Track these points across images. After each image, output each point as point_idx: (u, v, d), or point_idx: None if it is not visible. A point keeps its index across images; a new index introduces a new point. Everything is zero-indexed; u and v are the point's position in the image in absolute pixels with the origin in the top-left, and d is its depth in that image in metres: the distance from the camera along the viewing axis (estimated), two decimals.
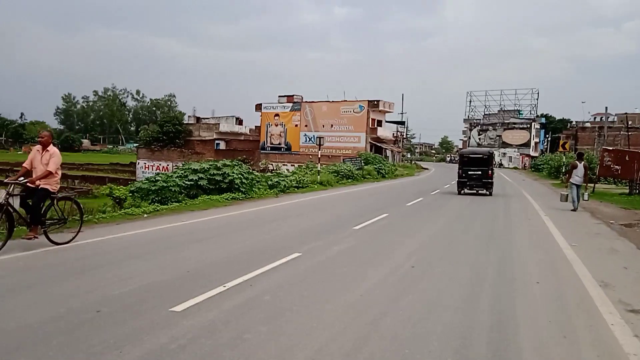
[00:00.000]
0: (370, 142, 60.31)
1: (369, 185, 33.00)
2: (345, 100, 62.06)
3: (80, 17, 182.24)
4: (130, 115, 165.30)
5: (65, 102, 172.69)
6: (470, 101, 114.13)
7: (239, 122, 75.79)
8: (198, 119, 77.22)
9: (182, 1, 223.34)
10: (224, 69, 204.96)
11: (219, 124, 71.61)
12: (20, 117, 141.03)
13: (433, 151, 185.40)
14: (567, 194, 19.10)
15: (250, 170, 21.06)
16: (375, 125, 60.90)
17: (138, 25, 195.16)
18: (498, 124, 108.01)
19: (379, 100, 59.88)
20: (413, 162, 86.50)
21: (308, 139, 63.63)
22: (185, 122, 74.65)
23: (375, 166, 44.87)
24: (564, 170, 37.06)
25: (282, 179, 23.64)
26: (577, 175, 18.50)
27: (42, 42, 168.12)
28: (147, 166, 38.27)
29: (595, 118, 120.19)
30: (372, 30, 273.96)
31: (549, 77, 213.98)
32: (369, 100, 60.19)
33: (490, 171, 24.81)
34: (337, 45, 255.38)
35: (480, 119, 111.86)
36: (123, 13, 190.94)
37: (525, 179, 46.49)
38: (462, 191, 25.26)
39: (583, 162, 18.91)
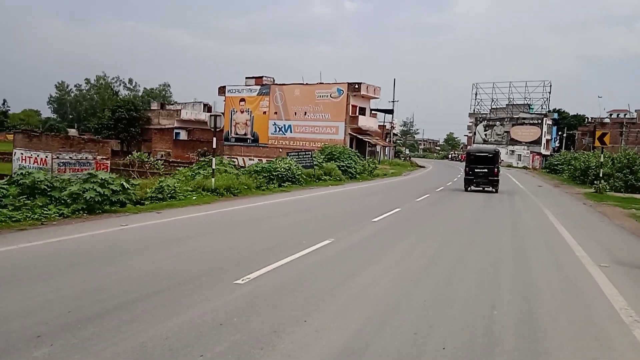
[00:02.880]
0: (350, 134, 48.06)
1: (306, 193, 20.93)
2: (321, 83, 49.85)
3: (92, 7, 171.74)
4: None
5: (59, 91, 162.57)
6: (476, 94, 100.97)
7: (208, 109, 63.88)
8: (163, 106, 65.55)
9: None
10: (233, 61, 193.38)
11: (180, 110, 59.76)
12: (3, 104, 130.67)
13: (438, 147, 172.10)
14: None
15: None
16: (357, 114, 48.63)
17: (146, 17, 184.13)
18: (506, 119, 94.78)
19: (360, 83, 47.59)
20: (408, 158, 73.97)
21: (278, 129, 51.61)
22: (144, 109, 62.96)
23: (341, 163, 32.71)
24: (601, 175, 24.65)
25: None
26: None
27: (50, 31, 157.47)
28: (24, 157, 26.39)
29: (611, 115, 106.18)
30: (382, 24, 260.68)
31: (560, 75, 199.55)
32: (348, 83, 47.94)
33: (496, 169, 23.98)
34: (347, 39, 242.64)
35: (486, 114, 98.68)
36: (132, 3, 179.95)
37: (541, 184, 33.96)
38: (469, 188, 24.37)
39: None
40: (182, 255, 7.63)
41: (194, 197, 15.94)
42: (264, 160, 34.30)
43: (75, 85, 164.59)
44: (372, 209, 15.17)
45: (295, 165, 24.71)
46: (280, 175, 23.40)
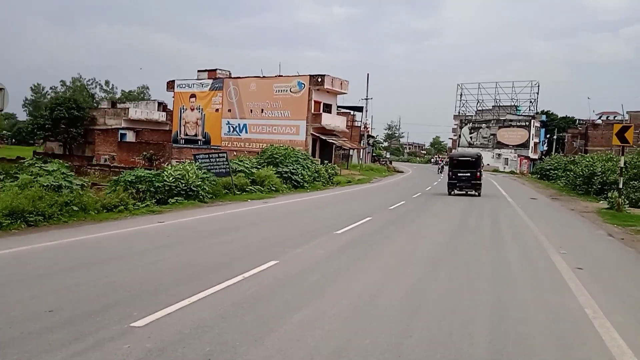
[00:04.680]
0: (312, 134, 40.64)
1: (179, 217, 13.41)
2: (279, 76, 42.40)
3: (81, 12, 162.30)
4: None
5: (35, 93, 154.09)
6: (461, 94, 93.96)
7: (163, 107, 56.23)
8: (114, 104, 57.82)
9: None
10: (221, 64, 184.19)
11: (128, 108, 52.08)
12: None
13: (423, 152, 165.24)
14: None
15: None
16: (321, 111, 41.20)
17: (135, 21, 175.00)
18: (492, 121, 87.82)
19: (324, 75, 40.18)
20: (387, 162, 66.67)
21: (232, 129, 44.08)
22: (89, 107, 55.21)
23: (284, 169, 25.30)
24: (621, 185, 17.37)
25: None
26: None
27: (35, 33, 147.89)
28: None
29: (601, 117, 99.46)
30: (370, 30, 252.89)
31: (548, 80, 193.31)
32: (310, 75, 40.53)
33: (478, 173, 23.59)
34: (336, 45, 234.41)
35: (472, 115, 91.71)
36: (121, 8, 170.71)
37: (535, 195, 26.58)
38: (452, 192, 23.84)
39: None
40: None
41: None
42: None
43: (50, 88, 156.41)
44: (265, 247, 7.80)
45: (196, 173, 17.22)
46: (167, 188, 15.94)
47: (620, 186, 17.25)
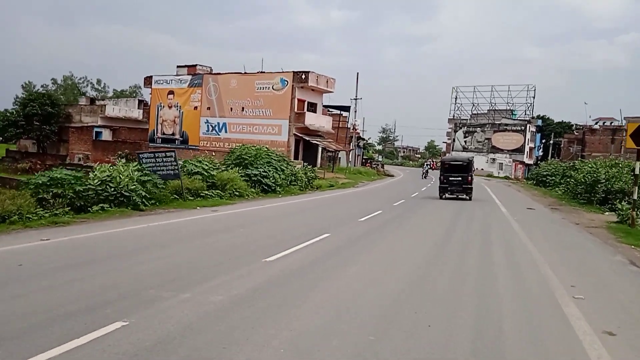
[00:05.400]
0: (295, 135, 37.75)
1: (92, 230, 10.44)
2: (261, 72, 39.49)
3: (77, 11, 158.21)
4: None
5: (25, 91, 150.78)
6: (456, 98, 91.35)
7: (144, 105, 53.22)
8: (92, 101, 54.77)
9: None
10: (219, 66, 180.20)
11: (105, 105, 49.08)
12: None
13: (418, 155, 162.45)
14: None
15: None
16: (305, 109, 38.32)
17: (134, 22, 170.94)
18: (487, 126, 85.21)
19: (308, 72, 37.31)
20: (378, 165, 63.80)
21: (211, 128, 41.16)
22: (65, 104, 52.21)
23: (253, 171, 22.42)
24: (635, 196, 14.50)
25: None
26: None
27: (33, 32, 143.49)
28: None
29: (597, 123, 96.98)
30: (368, 34, 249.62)
31: (543, 86, 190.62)
32: (294, 72, 37.66)
33: (469, 177, 23.56)
34: (333, 48, 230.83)
35: (467, 119, 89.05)
36: (118, 9, 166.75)
37: (532, 205, 23.67)
38: (444, 196, 23.67)
39: None
40: None
41: None
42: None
43: (42, 86, 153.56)
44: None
45: (132, 175, 14.31)
46: (92, 193, 13.04)
47: (635, 197, 14.37)
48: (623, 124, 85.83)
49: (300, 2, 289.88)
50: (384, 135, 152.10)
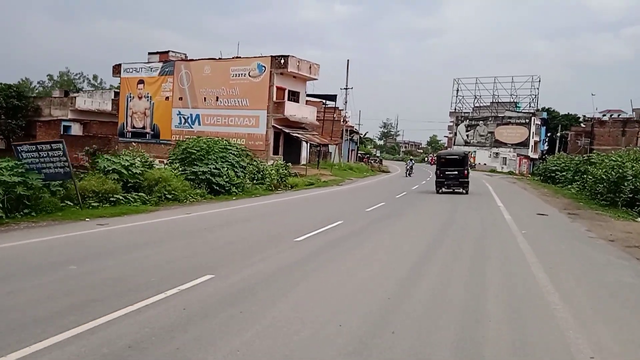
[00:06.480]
0: (274, 127, 33.32)
1: None
2: (237, 58, 35.08)
3: (79, 7, 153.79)
4: None
5: (23, 88, 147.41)
6: (457, 90, 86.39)
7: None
8: (67, 93, 50.54)
9: None
10: None
11: (75, 97, 44.85)
12: None
13: (420, 150, 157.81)
14: None
15: None
16: (285, 98, 33.85)
17: (136, 17, 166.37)
18: (490, 119, 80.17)
19: (287, 56, 32.80)
20: (373, 161, 59.24)
21: (183, 120, 36.83)
22: (34, 96, 48.04)
23: (202, 169, 18.06)
24: None
25: None
26: None
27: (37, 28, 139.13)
28: None
29: (604, 115, 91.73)
30: (372, 28, 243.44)
31: (549, 80, 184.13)
32: (272, 56, 33.18)
33: (466, 171, 23.20)
34: (337, 43, 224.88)
35: (469, 112, 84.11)
36: (121, 4, 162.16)
37: (542, 209, 18.88)
38: (440, 190, 23.19)
39: None
40: None
41: None
42: (157, 162, 19.83)
43: (38, 82, 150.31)
44: None
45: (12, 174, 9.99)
46: None
47: None
48: (633, 116, 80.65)
49: None
50: (385, 130, 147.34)
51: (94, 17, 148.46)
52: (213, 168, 18.49)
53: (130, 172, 14.76)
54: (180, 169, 17.87)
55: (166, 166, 18.35)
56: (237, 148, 21.37)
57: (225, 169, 19.08)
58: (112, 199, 13.36)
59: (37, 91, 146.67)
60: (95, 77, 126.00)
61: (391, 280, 6.64)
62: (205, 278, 6.22)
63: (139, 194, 14.59)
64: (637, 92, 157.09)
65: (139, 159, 16.44)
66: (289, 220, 12.58)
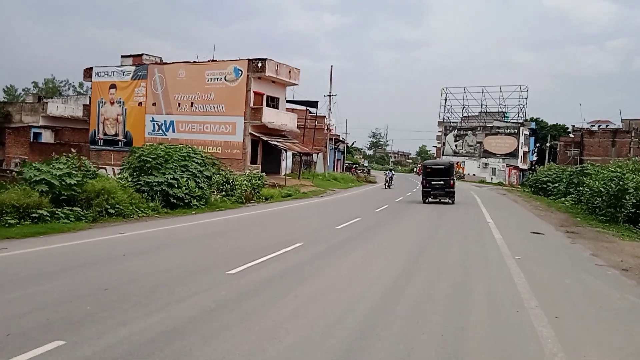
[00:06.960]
0: (251, 134, 31.29)
1: None
2: (213, 61, 33.13)
3: (68, 14, 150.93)
4: None
5: (7, 95, 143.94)
6: (445, 99, 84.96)
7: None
8: (40, 99, 48.19)
9: (173, 3, 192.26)
10: None
11: (47, 103, 42.51)
12: None
13: (409, 161, 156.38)
14: None
15: None
16: (263, 104, 31.87)
17: (127, 26, 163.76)
18: (479, 128, 78.79)
19: (265, 60, 30.89)
20: (359, 172, 57.34)
21: (157, 127, 34.70)
22: (4, 102, 45.68)
23: (157, 179, 15.97)
24: None
25: None
26: None
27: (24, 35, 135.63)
28: None
29: (592, 126, 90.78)
30: (360, 38, 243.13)
31: (535, 92, 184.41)
32: (249, 60, 31.26)
33: (451, 181, 23.33)
34: (326, 53, 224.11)
35: (457, 122, 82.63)
36: (110, 12, 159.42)
37: (537, 226, 16.88)
38: (427, 200, 23.33)
39: None
40: None
41: None
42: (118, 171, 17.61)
43: (23, 89, 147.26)
44: None
45: None
46: None
47: None
48: (621, 127, 79.67)
49: (293, 5, 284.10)
50: (375, 140, 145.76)
51: (82, 26, 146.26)
52: (170, 178, 16.40)
53: (63, 183, 12.62)
54: (130, 179, 15.76)
55: (117, 176, 16.24)
56: (201, 156, 19.27)
57: (185, 179, 16.98)
58: (33, 215, 11.24)
59: (21, 98, 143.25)
60: (81, 85, 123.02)
61: (368, 295, 4.61)
62: (51, 347, 4.13)
63: (73, 208, 12.46)
64: (623, 102, 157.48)
65: (83, 167, 14.34)
66: (236, 242, 10.48)
